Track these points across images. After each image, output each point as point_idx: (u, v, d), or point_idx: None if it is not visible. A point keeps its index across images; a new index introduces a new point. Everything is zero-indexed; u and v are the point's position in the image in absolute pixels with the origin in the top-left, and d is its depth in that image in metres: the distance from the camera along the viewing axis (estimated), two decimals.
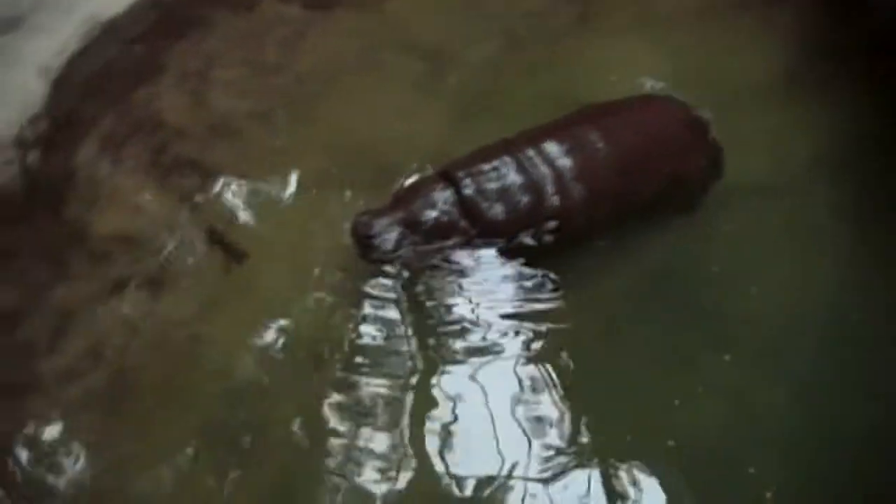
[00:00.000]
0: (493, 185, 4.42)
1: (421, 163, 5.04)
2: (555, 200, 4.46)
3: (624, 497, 4.01)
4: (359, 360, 4.40)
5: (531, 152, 4.49)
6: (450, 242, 4.45)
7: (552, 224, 4.50)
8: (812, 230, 4.94)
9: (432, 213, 4.39)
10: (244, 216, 4.90)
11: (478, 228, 4.44)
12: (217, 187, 5.00)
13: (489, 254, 4.48)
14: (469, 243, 4.47)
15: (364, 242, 4.36)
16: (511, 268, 4.53)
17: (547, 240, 4.51)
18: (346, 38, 5.77)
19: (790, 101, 5.49)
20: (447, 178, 4.46)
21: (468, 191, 4.41)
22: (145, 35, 5.68)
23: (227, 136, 5.26)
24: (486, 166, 4.45)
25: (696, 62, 5.69)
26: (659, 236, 4.80)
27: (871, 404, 4.31)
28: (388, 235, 4.35)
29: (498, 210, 4.43)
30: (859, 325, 4.58)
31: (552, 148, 4.50)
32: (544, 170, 4.46)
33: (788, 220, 4.97)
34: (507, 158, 4.47)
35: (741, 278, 4.74)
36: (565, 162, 4.48)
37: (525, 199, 4.44)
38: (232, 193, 4.98)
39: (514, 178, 4.44)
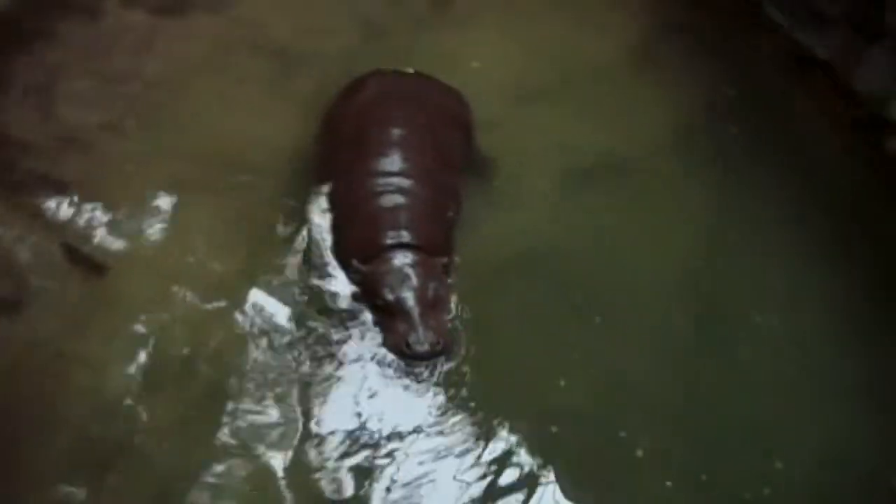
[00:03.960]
0: (416, 220, 4.47)
1: (278, 161, 5.02)
2: (432, 200, 4.61)
3: (496, 463, 4.05)
4: (231, 365, 4.31)
5: (385, 179, 4.56)
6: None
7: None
8: (669, 198, 5.12)
9: (430, 283, 4.32)
10: (102, 229, 4.75)
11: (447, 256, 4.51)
12: (71, 201, 4.82)
13: None
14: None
15: (439, 354, 4.23)
16: None
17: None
18: (195, 41, 5.69)
19: (642, 77, 5.68)
20: (396, 248, 4.40)
21: (419, 240, 4.42)
22: None
23: (79, 149, 5.09)
24: (391, 211, 4.49)
25: (550, 44, 5.81)
26: (516, 217, 4.90)
27: (729, 360, 4.52)
28: (435, 331, 4.21)
29: (440, 233, 4.56)
30: (719, 284, 4.79)
31: (391, 164, 4.60)
32: (408, 183, 4.56)
33: (645, 190, 5.13)
34: (385, 194, 4.52)
35: (607, 249, 4.87)
36: (411, 167, 4.61)
37: (429, 211, 4.56)
38: (88, 206, 4.81)
39: (410, 203, 4.52)
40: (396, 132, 4.70)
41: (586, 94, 5.48)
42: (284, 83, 5.47)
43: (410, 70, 5.11)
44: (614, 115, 5.39)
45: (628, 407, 4.32)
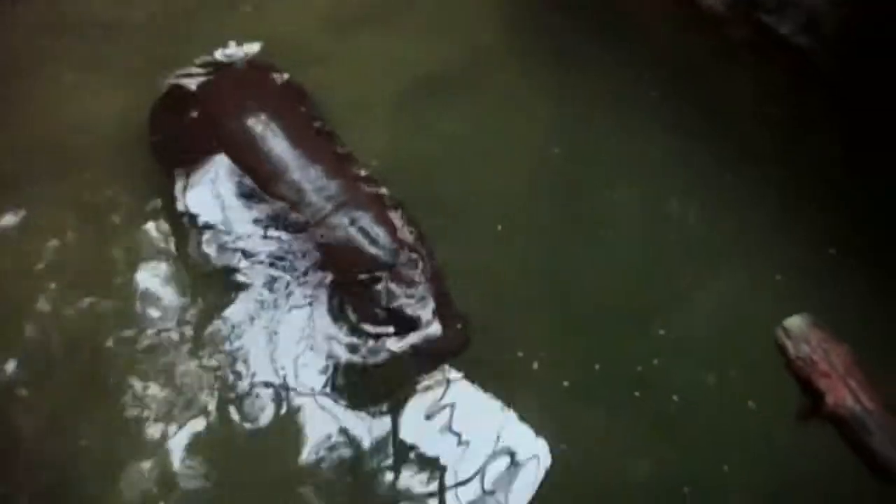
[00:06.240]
0: (377, 231, 4.26)
1: (121, 139, 4.91)
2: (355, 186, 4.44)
3: (404, 398, 4.14)
4: (112, 351, 4.27)
5: (315, 196, 4.33)
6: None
7: None
8: (511, 95, 5.22)
9: (419, 266, 4.18)
10: None
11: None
12: None
13: None
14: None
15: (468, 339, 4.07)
16: None
17: None
18: (14, 33, 5.52)
19: None
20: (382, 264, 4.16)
21: (394, 257, 4.18)
22: None
23: None
24: (349, 241, 4.22)
25: None
26: (361, 145, 4.79)
27: (604, 245, 4.66)
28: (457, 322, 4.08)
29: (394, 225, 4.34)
30: (578, 170, 4.91)
31: (306, 174, 4.37)
32: (336, 185, 4.37)
33: (486, 93, 5.21)
34: (329, 216, 4.29)
35: (459, 159, 4.94)
36: (322, 168, 4.41)
37: (374, 207, 4.38)
38: None
39: (356, 215, 4.28)
40: (279, 142, 4.42)
41: (409, 9, 5.52)
42: (102, 58, 5.33)
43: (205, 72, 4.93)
44: (440, 26, 5.44)
45: (516, 319, 4.37)
